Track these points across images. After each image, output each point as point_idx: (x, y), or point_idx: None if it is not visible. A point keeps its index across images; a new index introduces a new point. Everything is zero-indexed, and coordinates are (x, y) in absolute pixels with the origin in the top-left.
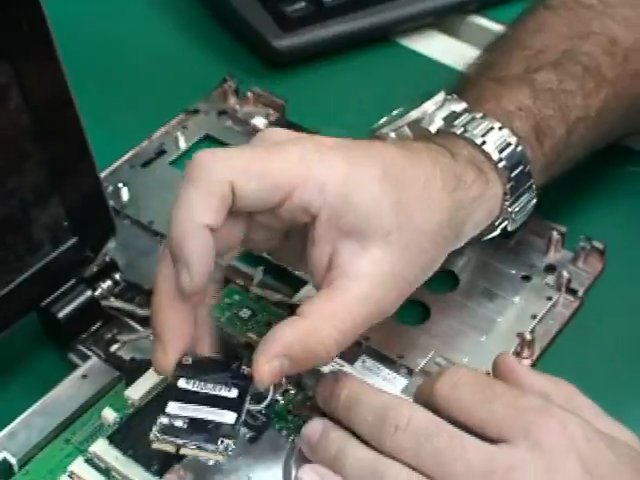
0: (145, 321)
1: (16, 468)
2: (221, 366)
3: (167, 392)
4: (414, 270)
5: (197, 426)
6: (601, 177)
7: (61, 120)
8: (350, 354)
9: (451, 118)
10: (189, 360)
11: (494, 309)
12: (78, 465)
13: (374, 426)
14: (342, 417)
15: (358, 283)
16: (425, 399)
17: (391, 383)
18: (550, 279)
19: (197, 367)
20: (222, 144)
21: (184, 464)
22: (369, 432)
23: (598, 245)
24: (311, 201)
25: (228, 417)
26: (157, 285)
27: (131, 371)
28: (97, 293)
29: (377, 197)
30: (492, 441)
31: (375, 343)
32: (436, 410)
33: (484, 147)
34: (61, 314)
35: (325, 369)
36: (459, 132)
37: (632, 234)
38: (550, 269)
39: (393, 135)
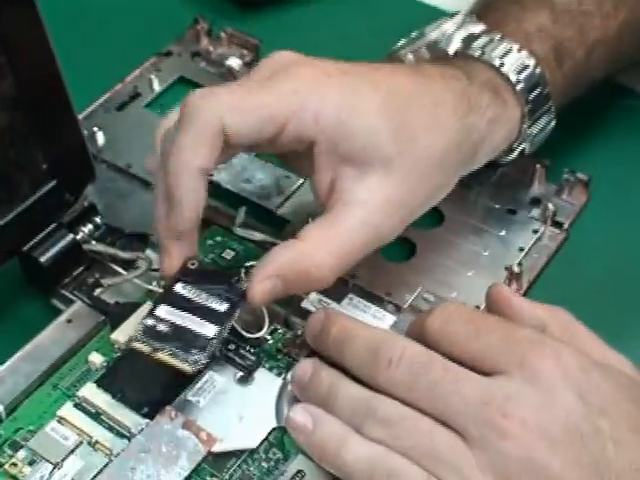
0: (128, 264)
1: (3, 415)
2: (222, 278)
3: (163, 294)
4: (417, 196)
5: (177, 333)
6: (585, 111)
7: (38, 60)
8: (337, 292)
9: (469, 40)
10: (195, 264)
11: (480, 243)
12: (67, 410)
13: (366, 361)
14: (333, 354)
15: (356, 209)
16: (417, 336)
17: (379, 320)
18: (535, 212)
19: (199, 275)
20: (197, 86)
21: (175, 406)
22: (361, 368)
23: (582, 177)
24: (305, 132)
25: (209, 330)
26: (159, 225)
27: (116, 315)
28: (78, 237)
29: (375, 125)
30: (486, 374)
31: (362, 281)
32: (428, 346)
33: (502, 69)
34: (43, 258)
35: (312, 308)
36: (477, 54)
37: (615, 167)
38: (535, 202)
39: (411, 57)
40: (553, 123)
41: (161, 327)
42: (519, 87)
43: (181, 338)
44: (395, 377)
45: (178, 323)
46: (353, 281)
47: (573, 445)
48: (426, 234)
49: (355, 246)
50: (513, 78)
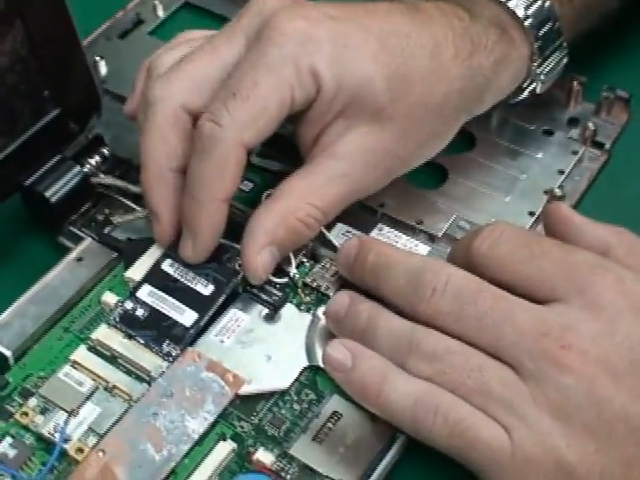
0: (139, 198)
1: (11, 361)
2: (215, 253)
3: (150, 270)
4: (409, 146)
5: (154, 320)
6: (622, 25)
7: None
8: (365, 222)
9: None
10: None
11: (516, 167)
12: (81, 354)
13: (408, 291)
14: (370, 284)
15: (336, 161)
16: (461, 261)
17: (412, 251)
18: (574, 133)
19: None
20: (202, 11)
21: (198, 346)
22: (402, 298)
23: (622, 94)
24: (311, 92)
25: (187, 317)
26: (144, 163)
27: (129, 251)
28: (85, 170)
29: (368, 74)
30: (541, 302)
31: (391, 209)
32: (475, 272)
33: (508, 4)
34: (48, 193)
35: (336, 242)
36: None
37: None
38: (573, 122)
39: None
40: (565, 60)
41: (139, 312)
42: (527, 23)
43: (156, 326)
44: (440, 307)
45: (156, 308)
46: (382, 210)
47: (638, 378)
48: (457, 159)
49: (335, 198)
50: (521, 13)
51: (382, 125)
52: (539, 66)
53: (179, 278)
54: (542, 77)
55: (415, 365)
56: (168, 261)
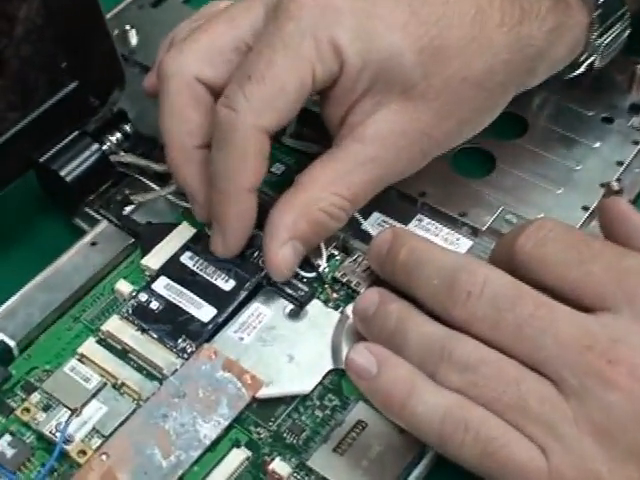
0: (163, 178)
1: (16, 352)
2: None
3: (168, 262)
4: (447, 125)
5: (169, 314)
6: None
7: None
8: (404, 213)
9: None
10: None
11: (571, 157)
12: (89, 347)
13: (441, 292)
14: (401, 282)
15: (364, 144)
16: (503, 260)
17: (453, 245)
18: (635, 121)
19: None
20: None
21: (215, 343)
22: (435, 300)
23: None
24: (333, 70)
25: (205, 313)
26: (167, 143)
27: (148, 236)
28: (105, 147)
29: (396, 46)
30: (588, 310)
31: (432, 199)
32: (517, 273)
33: None
34: (64, 171)
35: (373, 232)
36: None
37: None
38: (634, 109)
39: None
40: (627, 32)
41: (153, 305)
42: None
43: (171, 320)
44: (475, 312)
45: (172, 301)
46: (422, 199)
47: None
48: (507, 145)
49: (364, 184)
50: None
51: (414, 103)
52: (598, 37)
53: (198, 272)
54: (601, 49)
55: (445, 375)
56: (187, 254)
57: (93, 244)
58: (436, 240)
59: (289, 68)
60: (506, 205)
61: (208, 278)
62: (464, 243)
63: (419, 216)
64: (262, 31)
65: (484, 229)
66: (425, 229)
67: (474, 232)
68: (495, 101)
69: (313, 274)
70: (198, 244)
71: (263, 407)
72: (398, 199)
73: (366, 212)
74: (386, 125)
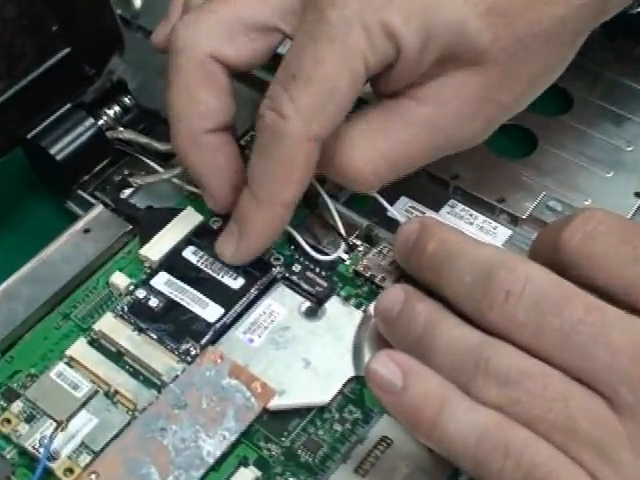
0: (166, 157)
1: None
2: None
3: (168, 257)
4: (516, 88)
5: (170, 312)
6: None
7: None
8: (434, 198)
9: None
10: (220, 222)
11: (621, 136)
12: (79, 348)
13: (475, 292)
14: (429, 280)
15: (421, 104)
16: (545, 254)
17: (490, 235)
18: None
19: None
20: None
21: (220, 345)
22: (467, 301)
23: None
24: (389, 56)
25: (211, 312)
26: (174, 127)
27: (148, 223)
28: (101, 122)
29: (459, 16)
30: None
31: (466, 182)
32: (562, 270)
33: None
34: (54, 149)
35: (400, 219)
36: None
37: None
38: None
39: None
40: None
41: (153, 302)
42: None
43: (173, 319)
44: (515, 315)
45: (175, 299)
46: (455, 183)
47: None
48: (549, 123)
49: (412, 150)
50: None
51: (484, 68)
52: None
53: (203, 268)
54: None
55: (481, 389)
56: (191, 248)
57: (86, 231)
58: (470, 229)
59: (339, 65)
60: (549, 190)
61: (214, 275)
62: (502, 233)
63: (451, 201)
64: (301, 20)
65: (524, 217)
66: (458, 216)
67: (513, 220)
68: (566, 54)
69: (333, 257)
70: (203, 238)
71: (275, 420)
72: (428, 182)
73: (392, 196)
74: (450, 89)
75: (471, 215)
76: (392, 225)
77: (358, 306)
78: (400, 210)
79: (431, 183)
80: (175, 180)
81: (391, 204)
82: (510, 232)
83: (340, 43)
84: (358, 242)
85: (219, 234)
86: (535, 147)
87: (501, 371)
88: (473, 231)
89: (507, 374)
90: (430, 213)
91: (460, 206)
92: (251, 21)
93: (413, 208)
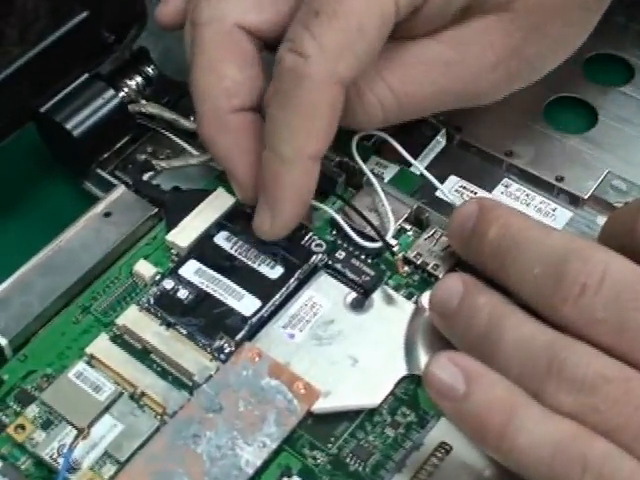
0: (193, 135)
1: (8, 352)
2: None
3: (199, 243)
4: (541, 42)
5: (201, 305)
6: None
7: None
8: (487, 176)
9: None
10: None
11: None
12: (101, 345)
13: (545, 284)
14: (491, 270)
15: (440, 43)
16: (619, 242)
17: (548, 217)
18: None
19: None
20: None
21: (260, 340)
22: (536, 294)
23: None
24: None
25: (247, 305)
26: (199, 106)
27: (174, 206)
28: (122, 94)
29: None
30: None
31: (522, 160)
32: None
33: None
34: (70, 123)
35: (450, 200)
36: None
37: None
38: None
39: None
40: None
41: (181, 293)
42: None
43: (204, 313)
44: (592, 311)
45: (207, 290)
46: (509, 160)
47: None
48: (610, 94)
49: (424, 90)
50: None
51: (511, 16)
52: None
53: (237, 256)
54: None
55: (555, 395)
56: (223, 233)
57: (106, 215)
58: (527, 211)
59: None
60: (612, 168)
61: (250, 264)
62: (562, 214)
63: (505, 181)
64: None
65: (586, 197)
66: (513, 197)
67: (574, 201)
68: (592, 17)
69: (378, 245)
70: (236, 222)
71: (320, 424)
72: (480, 159)
73: (441, 175)
74: (472, 32)
75: (527, 195)
76: (442, 207)
77: (409, 297)
78: (450, 190)
79: (483, 160)
80: (202, 159)
81: (439, 184)
82: (571, 214)
83: None
84: (407, 226)
85: (251, 217)
86: (595, 121)
87: (577, 374)
88: (530, 213)
89: (584, 378)
90: (482, 193)
91: (515, 185)
92: None
93: (464, 188)
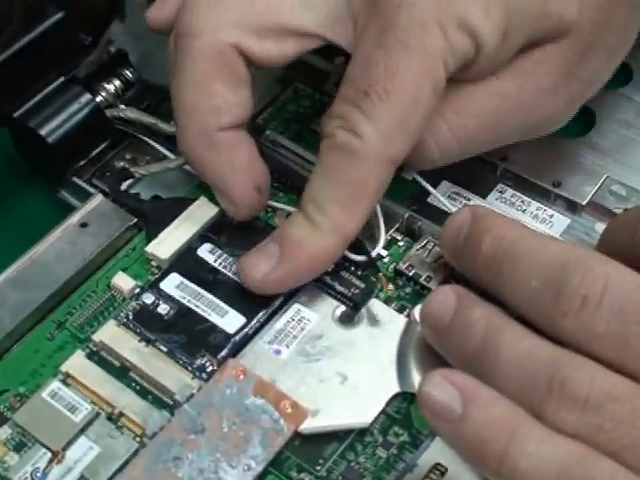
0: (174, 141)
1: None
2: None
3: (181, 256)
4: (595, 59)
5: (182, 321)
6: None
7: None
8: (481, 182)
9: None
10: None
11: None
12: (77, 363)
13: (544, 297)
14: (486, 282)
15: (496, 76)
16: (619, 250)
17: (545, 224)
18: None
19: (237, 233)
20: None
21: (244, 356)
22: (534, 306)
23: None
24: (468, 55)
25: (231, 322)
26: (182, 122)
27: (155, 216)
28: (99, 99)
29: None
30: None
31: (517, 165)
32: None
33: None
34: (45, 129)
35: (446, 208)
36: None
37: None
38: None
39: None
40: None
41: (162, 308)
42: None
43: (185, 330)
44: (594, 326)
45: (188, 305)
46: (504, 165)
47: None
48: (608, 96)
49: (484, 125)
50: None
51: (568, 41)
52: None
53: (221, 269)
54: None
55: (557, 414)
56: (207, 246)
57: (83, 225)
58: (523, 218)
59: (418, 74)
60: (611, 172)
61: (234, 278)
62: (559, 221)
63: (500, 186)
64: (363, 29)
65: (584, 203)
66: (508, 203)
67: (571, 207)
68: (638, 4)
69: (364, 258)
70: (220, 234)
71: (308, 445)
72: (473, 164)
73: (432, 181)
74: (531, 64)
75: (523, 202)
76: (436, 215)
77: (401, 310)
78: (442, 196)
79: (477, 165)
80: (187, 167)
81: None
82: (568, 221)
83: (416, 49)
84: (399, 236)
85: (239, 228)
86: (593, 124)
87: (581, 392)
88: (526, 220)
89: (588, 396)
90: (476, 200)
91: (510, 191)
92: (289, 24)
93: (457, 194)
